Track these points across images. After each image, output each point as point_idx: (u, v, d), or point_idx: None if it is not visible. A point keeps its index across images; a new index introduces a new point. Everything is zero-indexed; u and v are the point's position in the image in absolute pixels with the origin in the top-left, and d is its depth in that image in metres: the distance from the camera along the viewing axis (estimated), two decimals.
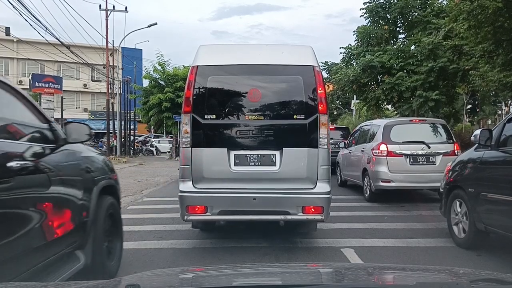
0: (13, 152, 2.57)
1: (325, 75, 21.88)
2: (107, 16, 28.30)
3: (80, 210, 3.27)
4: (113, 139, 29.19)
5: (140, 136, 39.02)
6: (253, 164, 4.72)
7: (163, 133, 38.96)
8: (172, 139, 29.06)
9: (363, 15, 19.37)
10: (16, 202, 2.55)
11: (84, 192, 3.35)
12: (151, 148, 34.25)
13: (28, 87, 29.35)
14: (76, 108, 43.85)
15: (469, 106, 22.50)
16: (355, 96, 20.77)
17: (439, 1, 18.46)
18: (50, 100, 21.95)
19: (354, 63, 19.88)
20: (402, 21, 19.38)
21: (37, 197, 2.78)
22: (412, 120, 9.66)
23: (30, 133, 2.95)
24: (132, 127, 33.60)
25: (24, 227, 2.58)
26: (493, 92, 16.73)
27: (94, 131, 5.44)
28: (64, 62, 31.33)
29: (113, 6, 32.86)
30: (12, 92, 2.88)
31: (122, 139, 30.24)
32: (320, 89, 4.73)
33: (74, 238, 3.20)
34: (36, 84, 22.17)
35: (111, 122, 28.75)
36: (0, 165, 2.38)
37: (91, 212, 3.40)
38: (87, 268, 3.23)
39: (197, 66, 4.78)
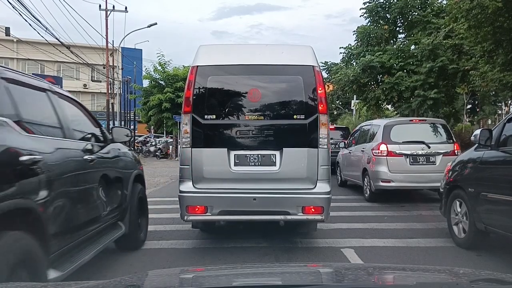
0: (85, 148, 3.74)
1: (325, 75, 21.88)
2: (107, 16, 28.32)
3: (121, 191, 4.53)
4: None
5: (140, 136, 39.01)
6: (253, 164, 4.72)
7: (163, 133, 38.97)
8: (172, 140, 29.03)
9: (363, 15, 19.40)
10: (88, 183, 3.71)
11: (124, 178, 4.61)
12: (151, 150, 29.70)
13: None
14: None
15: (469, 106, 22.48)
16: (355, 96, 20.76)
17: (439, 1, 18.46)
18: None
19: (354, 63, 19.89)
20: (402, 21, 19.39)
21: (99, 179, 3.91)
22: (412, 120, 9.66)
23: (92, 135, 4.18)
24: (132, 127, 33.61)
25: (90, 201, 3.75)
26: (493, 92, 16.72)
27: None
28: (64, 62, 31.33)
29: (113, 6, 32.86)
30: (79, 107, 4.26)
31: None
32: (320, 89, 4.73)
33: (118, 212, 4.42)
34: None
35: (111, 122, 28.77)
36: (78, 158, 3.58)
37: (128, 194, 4.66)
38: (124, 236, 4.44)
39: (197, 66, 4.78)
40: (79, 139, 3.84)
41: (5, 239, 2.43)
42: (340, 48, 21.25)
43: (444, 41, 15.05)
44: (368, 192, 8.77)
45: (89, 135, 4.13)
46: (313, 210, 4.64)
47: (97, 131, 4.35)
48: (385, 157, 8.29)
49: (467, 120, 24.86)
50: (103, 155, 4.14)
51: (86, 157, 3.65)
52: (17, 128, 2.83)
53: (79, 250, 3.52)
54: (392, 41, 19.70)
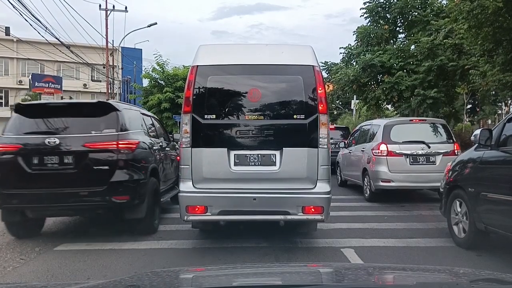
0: (163, 143, 7.19)
1: (325, 75, 21.89)
2: (107, 16, 28.29)
3: (175, 168, 7.36)
4: None
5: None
6: (253, 164, 4.72)
7: None
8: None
9: (363, 15, 19.39)
10: (166, 162, 7.08)
11: (175, 162, 7.42)
12: None
13: (28, 87, 29.37)
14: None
15: (469, 106, 22.49)
16: (355, 96, 20.76)
17: (439, 1, 18.46)
18: None
19: (354, 63, 19.89)
20: (402, 20, 19.39)
21: (169, 160, 7.39)
22: (412, 120, 9.65)
23: (164, 136, 7.69)
24: None
25: (170, 170, 7.33)
26: (493, 92, 16.71)
27: None
28: (64, 62, 31.26)
29: (113, 6, 32.88)
30: (154, 118, 7.70)
31: None
32: (320, 89, 4.73)
33: (176, 179, 7.22)
34: (36, 84, 22.17)
35: None
36: (160, 148, 6.81)
37: (177, 171, 6.86)
38: (142, 222, 5.69)
39: (197, 66, 4.78)
40: (162, 138, 7.35)
41: (151, 181, 5.82)
42: (340, 48, 21.31)
43: (444, 40, 15.05)
44: (368, 192, 8.77)
45: (163, 136, 7.61)
46: (313, 210, 4.64)
47: (165, 135, 7.80)
48: (385, 157, 8.28)
49: (467, 120, 24.86)
50: (169, 147, 7.55)
51: (165, 147, 7.25)
52: (145, 133, 6.32)
53: (166, 193, 6.76)
54: (392, 41, 19.70)
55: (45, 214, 5.87)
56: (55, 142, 5.09)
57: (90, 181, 5.12)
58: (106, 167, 5.17)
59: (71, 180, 5.13)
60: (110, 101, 6.36)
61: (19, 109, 5.55)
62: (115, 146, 5.21)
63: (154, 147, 6.37)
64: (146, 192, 5.57)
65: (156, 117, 8.29)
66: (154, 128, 7.09)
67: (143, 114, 6.89)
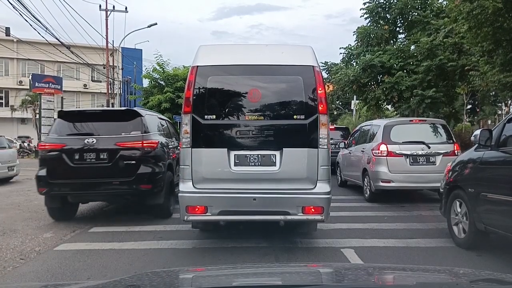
0: (174, 144, 7.92)
1: (325, 75, 21.89)
2: (107, 16, 28.31)
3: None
4: None
5: None
6: (253, 164, 4.71)
7: None
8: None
9: (363, 15, 19.41)
10: (178, 158, 6.29)
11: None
12: None
13: (28, 87, 29.32)
14: (76, 108, 43.89)
15: (469, 106, 22.49)
16: (355, 96, 20.77)
17: (439, 1, 18.47)
18: (50, 101, 21.85)
19: (354, 63, 19.89)
20: (402, 21, 19.39)
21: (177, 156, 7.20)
22: (412, 120, 9.65)
23: (175, 136, 8.38)
24: None
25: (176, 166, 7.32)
26: (493, 92, 16.72)
27: None
28: (64, 62, 31.31)
29: (113, 6, 32.88)
30: (167, 121, 8.77)
31: None
32: (320, 89, 4.73)
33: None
34: (36, 84, 22.06)
35: None
36: (173, 146, 7.78)
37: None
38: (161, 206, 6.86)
39: (197, 66, 4.78)
40: (174, 138, 8.16)
41: (167, 174, 6.94)
42: (340, 48, 21.39)
43: (444, 40, 15.05)
44: (368, 192, 8.77)
45: (175, 136, 8.31)
46: (313, 210, 4.64)
47: (176, 136, 8.37)
48: (385, 157, 8.28)
49: (467, 120, 24.86)
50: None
51: (177, 145, 7.65)
52: (162, 134, 7.31)
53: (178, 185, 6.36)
54: (392, 41, 19.70)
55: (83, 199, 7.21)
56: (93, 141, 6.40)
57: (121, 172, 6.32)
58: (133, 162, 6.37)
59: (106, 172, 6.31)
60: (136, 108, 7.71)
61: (61, 115, 6.97)
62: (140, 145, 6.44)
63: (169, 146, 7.53)
64: (164, 182, 6.75)
65: (169, 120, 9.44)
66: (168, 130, 8.31)
67: (160, 118, 8.16)
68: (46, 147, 6.55)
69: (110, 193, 6.68)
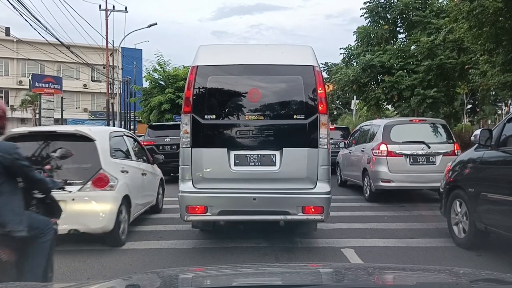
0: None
1: (325, 75, 21.88)
2: (107, 16, 28.29)
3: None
4: None
5: (140, 136, 38.88)
6: (253, 164, 4.71)
7: None
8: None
9: (363, 15, 19.36)
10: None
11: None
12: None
13: (28, 87, 29.33)
14: (76, 108, 43.84)
15: (469, 106, 22.49)
16: (355, 96, 20.74)
17: (439, 1, 18.45)
18: (50, 101, 21.82)
19: (354, 63, 19.87)
20: (402, 21, 19.37)
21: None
22: (412, 120, 9.64)
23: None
24: (132, 127, 33.56)
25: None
26: (493, 92, 16.72)
27: None
28: (64, 62, 31.29)
29: (113, 6, 32.82)
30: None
31: None
32: (320, 89, 4.73)
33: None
34: (36, 84, 22.05)
35: (111, 123, 28.75)
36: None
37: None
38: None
39: (197, 66, 4.78)
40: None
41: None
42: (340, 48, 21.27)
43: (445, 36, 15.03)
44: (368, 192, 8.76)
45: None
46: (313, 210, 4.64)
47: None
48: (385, 157, 8.28)
49: (467, 120, 24.87)
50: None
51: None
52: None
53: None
54: (392, 41, 19.68)
55: None
56: (169, 141, 11.70)
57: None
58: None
59: None
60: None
61: (150, 126, 13.35)
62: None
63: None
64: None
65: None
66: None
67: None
68: None
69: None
